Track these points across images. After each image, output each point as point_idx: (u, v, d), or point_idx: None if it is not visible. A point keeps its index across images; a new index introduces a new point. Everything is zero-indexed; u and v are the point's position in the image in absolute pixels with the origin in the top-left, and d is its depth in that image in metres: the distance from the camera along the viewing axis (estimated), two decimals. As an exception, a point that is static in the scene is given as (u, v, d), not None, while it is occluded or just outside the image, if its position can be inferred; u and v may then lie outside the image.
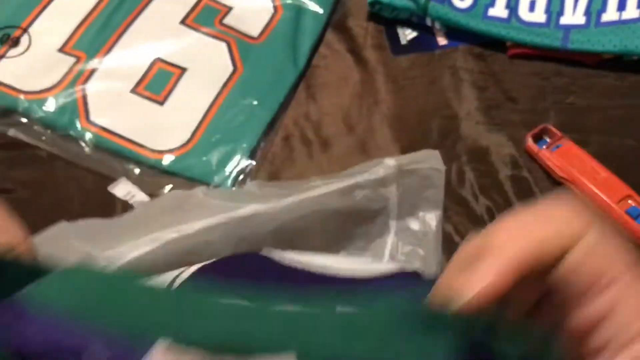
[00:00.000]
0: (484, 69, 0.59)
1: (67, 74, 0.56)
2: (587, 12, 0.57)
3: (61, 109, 0.55)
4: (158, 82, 0.56)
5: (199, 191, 0.48)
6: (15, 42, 0.57)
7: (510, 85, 0.58)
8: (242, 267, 0.39)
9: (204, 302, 0.24)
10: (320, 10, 0.62)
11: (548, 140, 0.54)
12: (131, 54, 0.58)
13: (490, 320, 0.21)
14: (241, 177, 0.53)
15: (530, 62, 0.59)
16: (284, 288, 0.23)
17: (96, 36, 0.58)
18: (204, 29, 0.59)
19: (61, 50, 0.57)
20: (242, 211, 0.45)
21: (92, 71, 0.56)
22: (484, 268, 0.21)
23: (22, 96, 0.55)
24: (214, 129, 0.55)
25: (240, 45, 0.59)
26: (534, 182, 0.53)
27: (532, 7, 0.58)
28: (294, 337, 0.22)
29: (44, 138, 0.55)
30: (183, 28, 0.59)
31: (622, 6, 0.56)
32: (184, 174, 0.53)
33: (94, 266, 0.39)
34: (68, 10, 0.59)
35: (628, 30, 0.56)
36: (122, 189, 0.52)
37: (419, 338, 0.21)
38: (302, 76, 0.59)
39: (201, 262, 0.38)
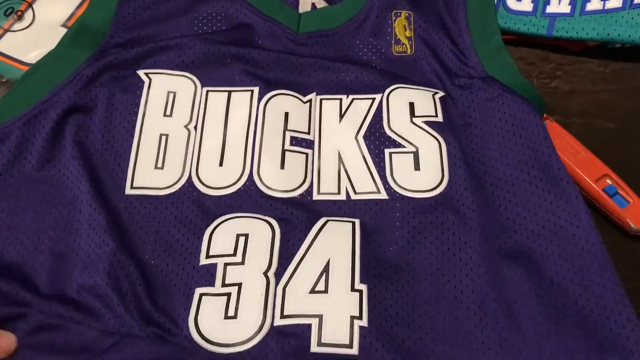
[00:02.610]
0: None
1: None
2: (572, 1, 0.59)
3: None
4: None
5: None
6: (20, 16, 0.59)
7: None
8: None
9: None
10: None
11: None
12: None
13: None
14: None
15: (517, 48, 0.61)
16: None
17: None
18: None
19: (65, 25, 0.59)
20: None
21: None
22: None
23: (26, 69, 0.56)
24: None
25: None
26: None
27: (519, -4, 0.61)
28: None
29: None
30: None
31: (605, -5, 0.59)
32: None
33: None
34: (72, -15, 0.61)
35: (611, 19, 0.58)
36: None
37: None
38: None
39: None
